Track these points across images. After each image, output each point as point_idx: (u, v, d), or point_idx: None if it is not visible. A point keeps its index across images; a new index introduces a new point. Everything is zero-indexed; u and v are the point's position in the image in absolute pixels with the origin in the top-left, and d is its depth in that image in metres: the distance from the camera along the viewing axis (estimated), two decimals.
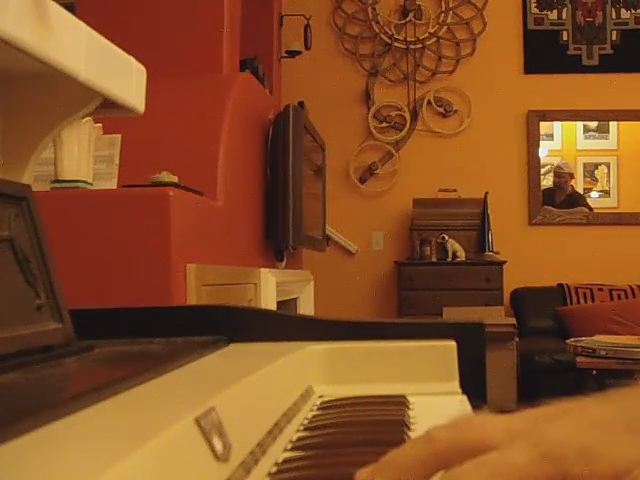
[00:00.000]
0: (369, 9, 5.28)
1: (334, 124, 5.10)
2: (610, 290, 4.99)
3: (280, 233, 3.01)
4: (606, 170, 5.55)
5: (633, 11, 5.25)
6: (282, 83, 4.40)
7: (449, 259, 4.81)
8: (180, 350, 0.74)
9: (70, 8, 0.69)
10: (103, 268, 1.83)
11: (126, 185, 1.93)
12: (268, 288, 2.70)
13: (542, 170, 5.36)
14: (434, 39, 5.28)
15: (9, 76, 0.74)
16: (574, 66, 5.23)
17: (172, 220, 1.84)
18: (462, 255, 4.82)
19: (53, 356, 0.65)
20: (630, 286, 4.98)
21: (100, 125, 1.97)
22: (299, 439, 0.61)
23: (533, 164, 5.28)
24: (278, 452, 0.57)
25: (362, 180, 5.28)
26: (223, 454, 0.46)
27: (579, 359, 3.56)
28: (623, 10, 5.26)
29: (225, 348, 0.82)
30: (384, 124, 5.27)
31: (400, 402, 0.74)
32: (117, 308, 0.87)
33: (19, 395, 0.51)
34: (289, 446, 0.59)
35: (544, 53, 5.25)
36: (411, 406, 0.74)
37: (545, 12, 5.28)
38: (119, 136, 2.13)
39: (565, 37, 5.27)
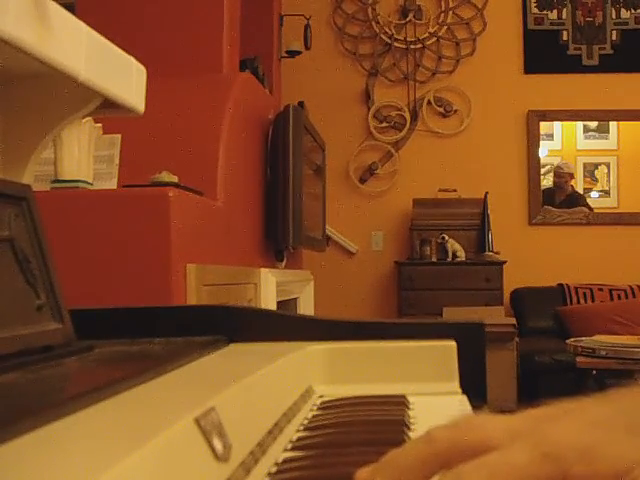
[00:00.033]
0: (369, 9, 5.28)
1: (334, 124, 5.10)
2: (610, 290, 4.99)
3: (280, 233, 3.01)
4: (606, 170, 5.55)
5: (633, 11, 5.25)
6: (282, 83, 4.40)
7: (449, 259, 4.81)
8: (180, 350, 0.74)
9: (70, 8, 0.69)
10: (103, 268, 1.83)
11: (126, 185, 1.93)
12: (268, 288, 2.70)
13: (542, 170, 5.36)
14: (434, 39, 5.28)
15: (9, 76, 0.74)
16: (574, 66, 5.23)
17: (172, 220, 1.84)
18: (462, 255, 4.82)
19: (53, 356, 0.65)
20: (630, 286, 4.98)
21: (100, 125, 1.97)
22: (299, 439, 0.61)
23: (533, 164, 5.28)
24: (278, 452, 0.57)
25: (362, 180, 5.28)
26: (223, 454, 0.46)
27: (579, 359, 3.56)
28: (623, 10, 5.26)
29: (225, 348, 0.82)
30: (384, 124, 5.27)
31: (400, 402, 0.74)
32: (117, 308, 0.87)
33: (19, 395, 0.51)
34: (289, 446, 0.59)
35: (544, 53, 5.25)
36: (411, 406, 0.74)
37: (545, 12, 5.28)
38: (119, 136, 2.13)
39: (565, 37, 5.27)
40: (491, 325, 3.83)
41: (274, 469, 0.53)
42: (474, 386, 0.82)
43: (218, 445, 0.46)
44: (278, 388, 0.68)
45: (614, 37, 5.25)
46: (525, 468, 0.35)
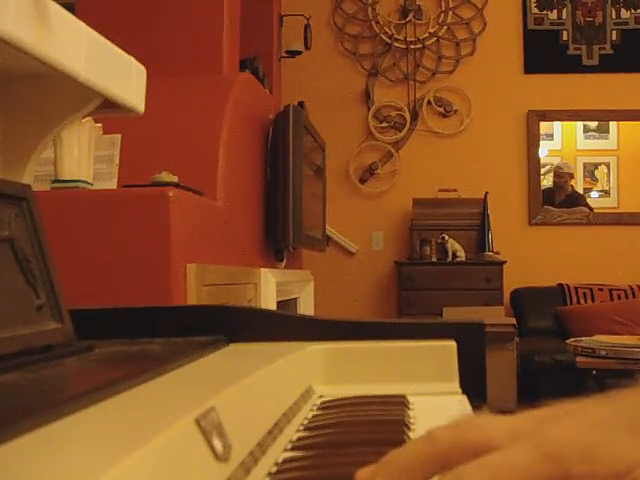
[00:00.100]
0: (369, 9, 5.28)
1: (334, 124, 5.10)
2: (610, 290, 4.99)
3: (280, 233, 3.01)
4: (606, 170, 5.55)
5: (633, 11, 5.25)
6: (282, 83, 4.40)
7: (449, 259, 4.81)
8: (180, 350, 0.74)
9: (70, 8, 0.69)
10: (103, 268, 1.83)
11: (126, 185, 1.93)
12: (268, 288, 2.70)
13: (542, 170, 5.36)
14: (434, 39, 5.28)
15: (9, 76, 0.74)
16: (574, 66, 5.23)
17: (172, 220, 1.84)
18: (462, 255, 4.82)
19: (53, 356, 0.65)
20: (630, 286, 4.98)
21: (100, 125, 1.97)
22: (299, 439, 0.61)
23: (533, 164, 5.28)
24: (278, 452, 0.57)
25: (362, 180, 5.28)
26: (223, 454, 0.46)
27: (579, 359, 3.56)
28: (623, 10, 5.26)
29: (225, 348, 0.82)
30: (384, 124, 5.27)
31: (400, 402, 0.74)
32: (117, 308, 0.87)
33: (19, 395, 0.51)
34: (289, 446, 0.59)
35: (544, 53, 5.25)
36: (411, 406, 0.74)
37: (545, 12, 5.28)
38: (119, 136, 2.13)
39: (565, 37, 5.27)
40: (491, 325, 3.83)
41: (274, 469, 0.53)
42: (474, 386, 0.82)
43: (218, 445, 0.46)
44: (278, 388, 0.68)
45: (614, 37, 5.25)
46: (527, 468, 0.35)
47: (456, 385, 0.81)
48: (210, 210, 2.26)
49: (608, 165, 5.54)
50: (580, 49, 5.25)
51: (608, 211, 5.38)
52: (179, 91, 2.63)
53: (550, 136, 5.53)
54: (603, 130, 5.53)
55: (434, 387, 0.80)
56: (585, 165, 5.58)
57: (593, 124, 5.52)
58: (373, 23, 5.28)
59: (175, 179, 1.95)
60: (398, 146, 5.26)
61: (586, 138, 5.58)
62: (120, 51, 0.80)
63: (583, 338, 3.66)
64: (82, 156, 1.90)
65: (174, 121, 2.51)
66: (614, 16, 5.26)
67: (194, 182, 2.10)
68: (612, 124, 5.47)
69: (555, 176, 5.48)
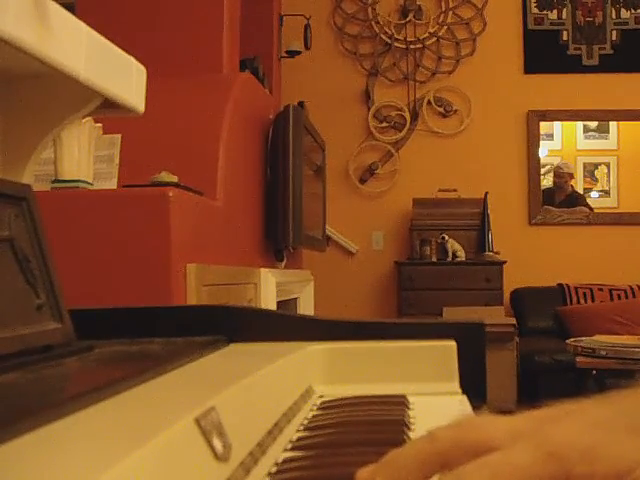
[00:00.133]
0: (369, 9, 5.28)
1: (334, 124, 5.10)
2: (610, 290, 4.99)
3: (280, 233, 3.01)
4: (606, 170, 5.55)
5: (633, 11, 5.25)
6: (282, 83, 4.41)
7: (449, 259, 4.81)
8: (180, 350, 0.74)
9: (70, 8, 0.69)
10: (103, 268, 1.83)
11: (126, 185, 1.93)
12: (268, 288, 2.70)
13: (542, 170, 5.36)
14: (434, 39, 5.28)
15: (9, 76, 0.74)
16: (574, 66, 5.23)
17: (172, 220, 1.84)
18: (462, 255, 4.82)
19: (53, 356, 0.65)
20: (630, 286, 4.98)
21: (100, 125, 1.97)
22: (299, 439, 0.61)
23: (533, 164, 5.28)
24: (278, 452, 0.57)
25: (362, 180, 5.28)
26: (223, 454, 0.46)
27: (579, 359, 3.56)
28: (623, 10, 5.26)
29: (225, 348, 0.82)
30: (384, 124, 5.27)
31: (400, 402, 0.74)
32: (117, 308, 0.87)
33: (19, 395, 0.51)
34: (289, 446, 0.59)
35: (544, 53, 5.25)
36: (411, 406, 0.74)
37: (545, 12, 5.28)
38: (119, 136, 2.13)
39: (565, 37, 5.27)
40: (491, 325, 3.83)
41: (274, 469, 0.53)
42: (474, 386, 0.82)
43: (218, 445, 0.46)
44: (278, 388, 0.68)
45: (614, 37, 5.25)
46: (528, 468, 0.35)
47: (456, 385, 0.81)
48: (210, 210, 2.26)
49: (608, 165, 5.54)
50: (580, 49, 5.25)
51: (608, 211, 5.38)
52: (179, 91, 2.63)
53: (550, 136, 5.53)
54: (603, 130, 5.53)
55: (434, 387, 0.80)
56: (585, 165, 5.58)
57: (593, 124, 5.52)
58: (373, 23, 5.28)
59: (175, 179, 1.95)
60: (398, 146, 5.26)
61: (586, 138, 5.58)
62: (120, 51, 0.80)
63: (583, 338, 3.66)
64: (82, 156, 1.90)
65: (174, 121, 2.51)
66: (614, 16, 5.26)
67: (194, 182, 2.10)
68: (612, 124, 5.47)
69: (555, 176, 5.48)
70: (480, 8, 5.26)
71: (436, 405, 0.75)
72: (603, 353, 3.38)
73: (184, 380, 0.62)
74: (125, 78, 0.81)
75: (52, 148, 1.86)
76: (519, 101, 5.24)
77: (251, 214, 2.84)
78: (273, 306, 2.72)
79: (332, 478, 0.49)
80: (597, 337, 3.68)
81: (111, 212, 1.85)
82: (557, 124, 5.51)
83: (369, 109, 5.26)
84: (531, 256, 5.19)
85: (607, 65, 5.22)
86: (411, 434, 0.62)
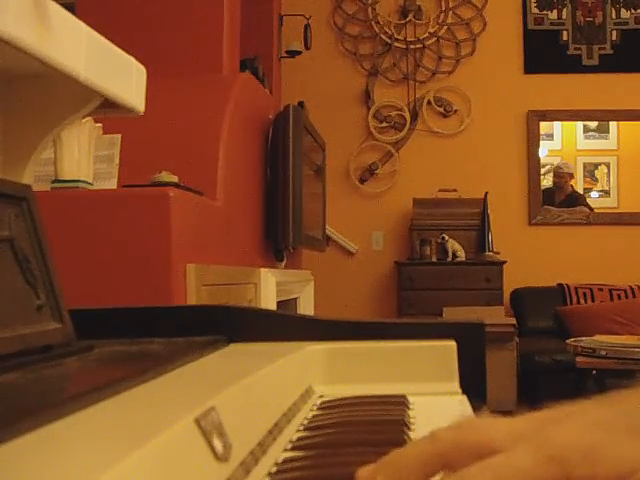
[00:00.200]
0: (369, 9, 5.28)
1: (334, 124, 5.10)
2: (610, 290, 4.99)
3: (280, 233, 3.01)
4: (606, 170, 5.55)
5: (633, 11, 5.25)
6: (282, 83, 4.41)
7: (449, 259, 4.81)
8: (180, 350, 0.74)
9: (70, 8, 0.69)
10: (103, 268, 1.83)
11: (126, 185, 1.93)
12: (268, 288, 2.70)
13: (542, 170, 5.36)
14: (434, 39, 5.28)
15: (9, 76, 0.74)
16: (574, 66, 5.23)
17: (172, 220, 1.84)
18: (462, 255, 4.82)
19: (53, 356, 0.65)
20: (630, 286, 4.98)
21: (100, 125, 1.97)
22: (299, 439, 0.61)
23: (533, 164, 5.28)
24: (278, 452, 0.57)
25: (362, 180, 5.28)
26: (223, 454, 0.46)
27: (579, 359, 3.56)
28: (623, 10, 5.26)
29: (225, 348, 0.82)
30: (384, 124, 5.27)
31: (400, 402, 0.74)
32: (117, 308, 0.87)
33: (19, 395, 0.51)
34: (289, 446, 0.59)
35: (544, 53, 5.25)
36: (411, 406, 0.74)
37: (545, 12, 5.28)
38: (119, 136, 2.13)
39: (565, 37, 5.27)
40: (491, 325, 3.83)
41: (274, 469, 0.53)
42: (474, 386, 0.82)
43: (218, 445, 0.46)
44: (278, 388, 0.68)
45: (614, 37, 5.25)
46: (530, 471, 0.35)
47: (456, 385, 0.81)
48: (210, 210, 2.26)
49: (608, 165, 5.54)
50: (580, 49, 5.25)
51: (608, 211, 5.38)
52: (179, 91, 2.63)
53: (550, 136, 5.53)
54: (603, 130, 5.53)
55: (434, 387, 0.80)
56: (585, 165, 5.58)
57: (593, 124, 5.52)
58: (373, 23, 5.28)
59: (175, 179, 1.95)
60: (398, 146, 5.26)
61: (586, 138, 5.59)
62: (120, 51, 0.80)
63: (583, 338, 3.66)
64: (82, 156, 1.90)
65: (174, 121, 2.51)
66: (614, 16, 5.26)
67: (194, 182, 2.10)
68: (612, 124, 5.47)
69: (555, 176, 5.48)
70: (480, 8, 5.26)
71: (436, 405, 0.75)
72: (603, 353, 3.38)
73: (184, 380, 0.62)
74: (125, 78, 0.81)
75: (52, 148, 1.85)
76: (519, 101, 5.24)
77: (251, 214, 2.84)
78: (273, 306, 2.72)
79: (332, 478, 0.49)
80: (597, 337, 3.68)
81: (111, 212, 1.85)
82: (557, 124, 5.51)
83: (369, 109, 5.26)
84: (531, 256, 5.19)
85: (607, 65, 5.22)
86: (411, 434, 0.62)
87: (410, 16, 5.24)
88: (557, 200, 5.40)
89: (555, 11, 5.28)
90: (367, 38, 5.29)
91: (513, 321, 4.47)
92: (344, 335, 0.84)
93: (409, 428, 0.64)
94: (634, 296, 4.93)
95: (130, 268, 1.83)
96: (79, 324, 0.72)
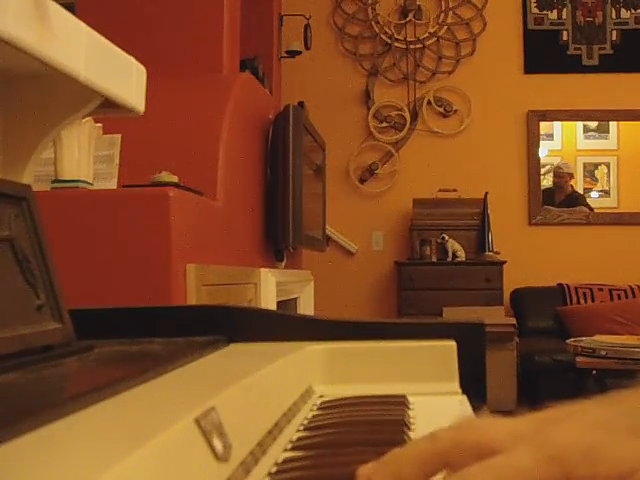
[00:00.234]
0: (369, 9, 5.28)
1: (334, 124, 5.10)
2: (610, 290, 4.99)
3: (280, 233, 3.01)
4: (606, 170, 5.55)
5: (633, 11, 5.25)
6: (282, 83, 4.40)
7: (449, 259, 4.81)
8: (180, 350, 0.74)
9: (70, 8, 0.69)
10: (103, 268, 1.83)
11: (126, 185, 1.93)
12: (268, 288, 2.70)
13: (542, 170, 5.36)
14: (434, 39, 5.28)
15: (9, 76, 0.74)
16: (574, 66, 5.23)
17: (172, 220, 1.84)
18: (462, 255, 4.82)
19: (53, 356, 0.65)
20: (630, 286, 4.98)
21: (100, 125, 1.97)
22: (299, 439, 0.61)
23: (533, 164, 5.28)
24: (278, 452, 0.57)
25: (362, 180, 5.28)
26: (223, 454, 0.46)
27: (579, 359, 3.56)
28: (623, 10, 5.26)
29: (225, 348, 0.82)
30: (384, 124, 5.27)
31: (400, 402, 0.74)
32: (117, 308, 0.87)
33: (19, 395, 0.51)
34: (289, 446, 0.59)
35: (544, 53, 5.25)
36: (411, 406, 0.74)
37: (545, 12, 5.28)
38: (119, 136, 2.13)
39: (565, 37, 5.27)
40: (491, 325, 3.83)
41: (274, 469, 0.53)
42: (474, 386, 0.82)
43: (218, 445, 0.46)
44: (278, 388, 0.68)
45: (614, 37, 5.25)
46: (530, 471, 0.35)
47: (456, 385, 0.81)
48: (210, 210, 2.26)
49: (608, 165, 5.54)
50: (580, 49, 5.25)
51: (608, 211, 5.38)
52: (179, 91, 2.63)
53: (550, 136, 5.53)
54: (603, 130, 5.53)
55: (434, 387, 0.80)
56: (585, 165, 5.58)
57: (593, 124, 5.52)
58: (373, 23, 5.28)
59: (175, 179, 1.95)
60: (398, 146, 5.26)
61: (586, 138, 5.58)
62: (120, 51, 0.80)
63: (583, 338, 3.66)
64: (82, 156, 1.89)
65: (174, 121, 2.51)
66: (614, 16, 5.26)
67: (194, 182, 2.10)
68: (612, 124, 5.47)
69: (555, 176, 5.48)
70: (480, 8, 5.26)
71: (436, 405, 0.75)
72: (603, 353, 3.38)
73: (184, 380, 0.62)
74: (125, 78, 0.81)
75: (52, 148, 1.85)
76: (519, 101, 5.24)
77: (251, 214, 2.84)
78: (273, 306, 2.72)
79: (332, 478, 0.49)
80: (597, 337, 3.68)
81: (111, 212, 1.85)
82: (557, 124, 5.51)
83: (369, 109, 5.26)
84: (531, 256, 5.19)
85: (607, 65, 5.22)
86: (411, 434, 0.62)
87: (410, 16, 5.24)
88: (557, 200, 5.40)
89: (555, 11, 5.28)
90: (367, 38, 5.29)
91: (513, 321, 4.47)
92: (344, 335, 0.84)
93: (409, 428, 0.64)
94: (634, 296, 4.93)
95: (130, 268, 1.83)
96: (79, 324, 0.71)
